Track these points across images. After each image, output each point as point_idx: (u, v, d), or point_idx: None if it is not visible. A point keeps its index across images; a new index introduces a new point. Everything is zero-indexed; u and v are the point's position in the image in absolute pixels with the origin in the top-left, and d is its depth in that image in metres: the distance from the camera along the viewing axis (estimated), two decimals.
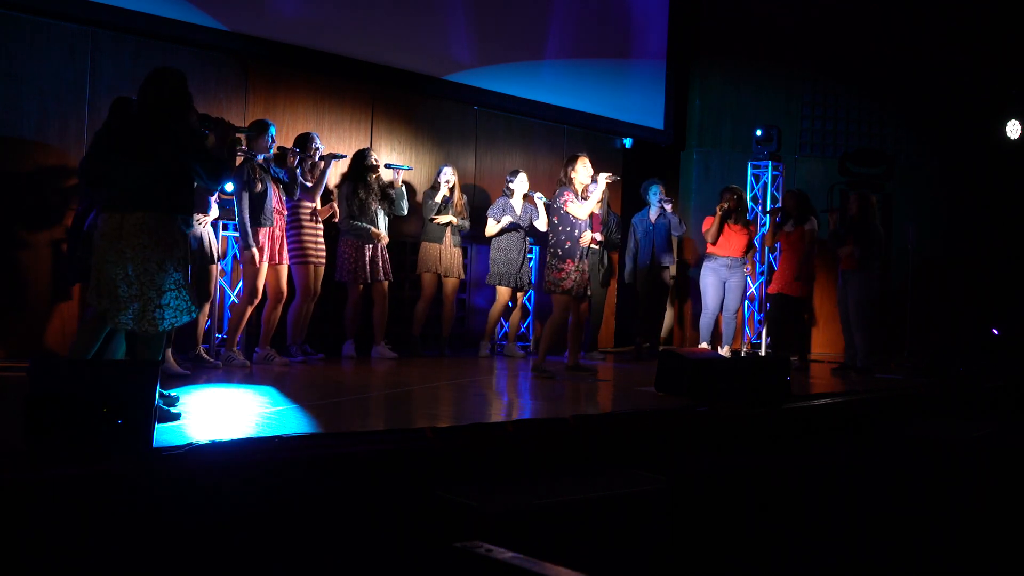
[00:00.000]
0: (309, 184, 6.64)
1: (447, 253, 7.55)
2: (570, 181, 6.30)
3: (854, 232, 7.63)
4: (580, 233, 6.24)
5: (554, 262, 6.22)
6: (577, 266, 6.20)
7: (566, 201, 6.23)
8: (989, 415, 6.77)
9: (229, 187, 6.06)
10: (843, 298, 7.76)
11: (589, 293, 6.42)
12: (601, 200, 7.97)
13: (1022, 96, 9.99)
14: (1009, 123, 9.94)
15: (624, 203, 9.62)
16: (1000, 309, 9.83)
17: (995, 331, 9.34)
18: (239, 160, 6.12)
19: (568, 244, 6.20)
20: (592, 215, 7.24)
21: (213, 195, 5.94)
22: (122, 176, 3.99)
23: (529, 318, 8.66)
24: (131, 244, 3.88)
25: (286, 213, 6.46)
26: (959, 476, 4.83)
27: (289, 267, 6.51)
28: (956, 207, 10.23)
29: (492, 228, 7.75)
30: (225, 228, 6.55)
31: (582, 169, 6.30)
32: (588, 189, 6.36)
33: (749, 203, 9.61)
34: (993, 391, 7.25)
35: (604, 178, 6.29)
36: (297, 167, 6.45)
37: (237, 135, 4.45)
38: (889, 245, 8.36)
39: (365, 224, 6.95)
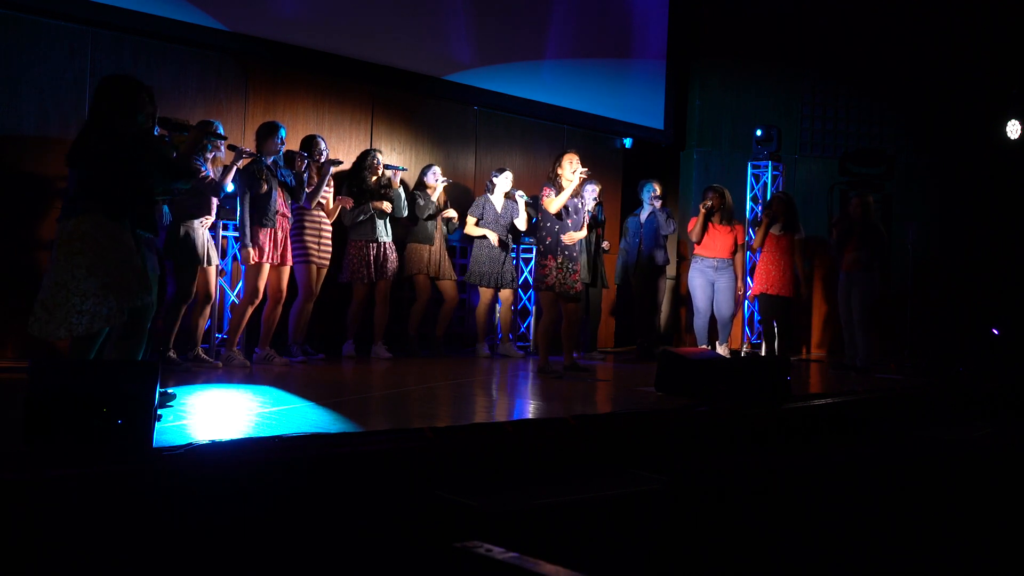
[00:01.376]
0: (308, 189, 6.64)
1: (438, 255, 7.55)
2: (556, 177, 6.33)
3: (856, 235, 7.64)
4: (561, 230, 6.24)
5: (538, 258, 6.30)
6: (560, 263, 6.21)
7: (543, 196, 6.27)
8: (989, 415, 6.77)
9: (230, 187, 6.09)
10: (846, 299, 7.76)
11: (576, 292, 6.37)
12: (598, 202, 8.01)
13: (1022, 96, 9.99)
14: (1009, 123, 9.94)
15: (624, 204, 9.63)
16: (1000, 309, 9.83)
17: (995, 331, 9.33)
18: (245, 162, 6.13)
19: (549, 240, 6.24)
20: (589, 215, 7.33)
21: (218, 197, 5.95)
22: (72, 184, 4.05)
23: (529, 318, 8.66)
24: (64, 251, 3.87)
25: (291, 215, 6.46)
26: (959, 476, 4.83)
27: (292, 267, 6.52)
28: (956, 207, 10.23)
29: (471, 228, 7.77)
30: (225, 228, 6.55)
31: (567, 166, 6.31)
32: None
33: (749, 203, 9.62)
34: (993, 391, 7.25)
35: (579, 173, 6.27)
36: (304, 171, 6.46)
37: (205, 133, 4.47)
38: (889, 245, 8.36)
39: (365, 209, 6.95)
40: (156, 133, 4.49)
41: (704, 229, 8.11)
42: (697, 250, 8.20)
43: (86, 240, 3.87)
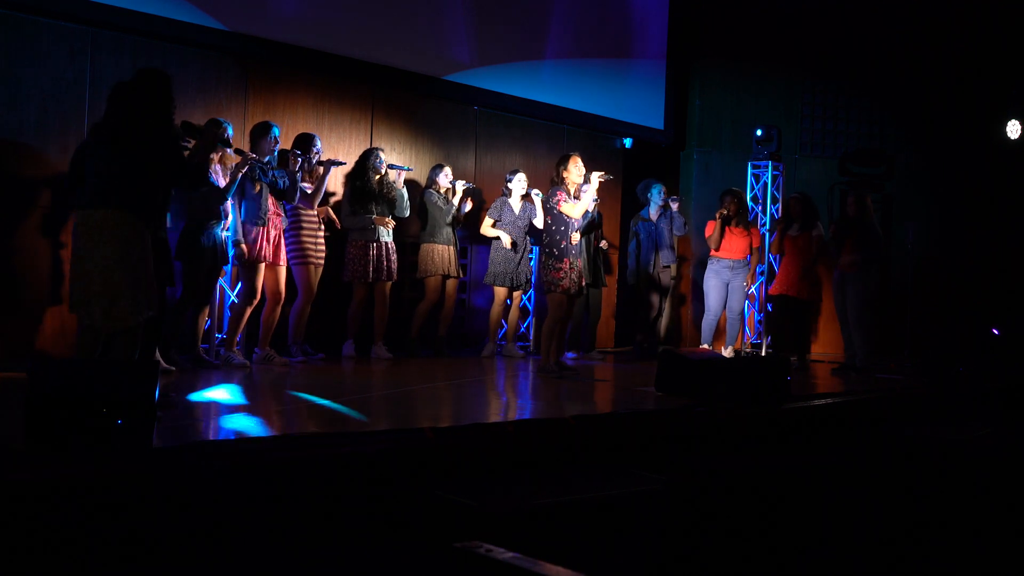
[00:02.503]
0: (308, 190, 6.64)
1: (452, 255, 7.56)
2: (562, 181, 6.34)
3: (853, 234, 7.63)
4: (572, 232, 6.28)
5: (551, 262, 6.26)
6: (573, 264, 6.24)
7: (559, 201, 6.27)
8: (989, 415, 6.77)
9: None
10: (840, 298, 7.77)
11: (584, 293, 6.48)
12: (597, 200, 8.02)
13: (1022, 96, 9.99)
14: (1009, 123, 9.94)
15: (624, 204, 9.63)
16: (1000, 309, 9.82)
17: (995, 331, 9.33)
18: (237, 159, 6.14)
19: (563, 243, 6.24)
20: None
21: (225, 202, 5.94)
22: (93, 170, 4.07)
23: (529, 318, 8.66)
24: (91, 240, 3.94)
25: (284, 215, 6.45)
26: (958, 476, 4.83)
27: (290, 268, 6.52)
28: (956, 207, 10.23)
29: (487, 229, 7.79)
30: (225, 229, 6.55)
31: (574, 169, 6.33)
32: (581, 188, 6.39)
33: (749, 203, 9.62)
34: (993, 391, 7.24)
35: (597, 176, 6.30)
36: (299, 170, 6.46)
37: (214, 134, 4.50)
38: (889, 245, 8.36)
39: (364, 215, 6.96)
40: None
41: (722, 235, 8.16)
42: (713, 252, 8.25)
43: (115, 231, 3.93)
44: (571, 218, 6.26)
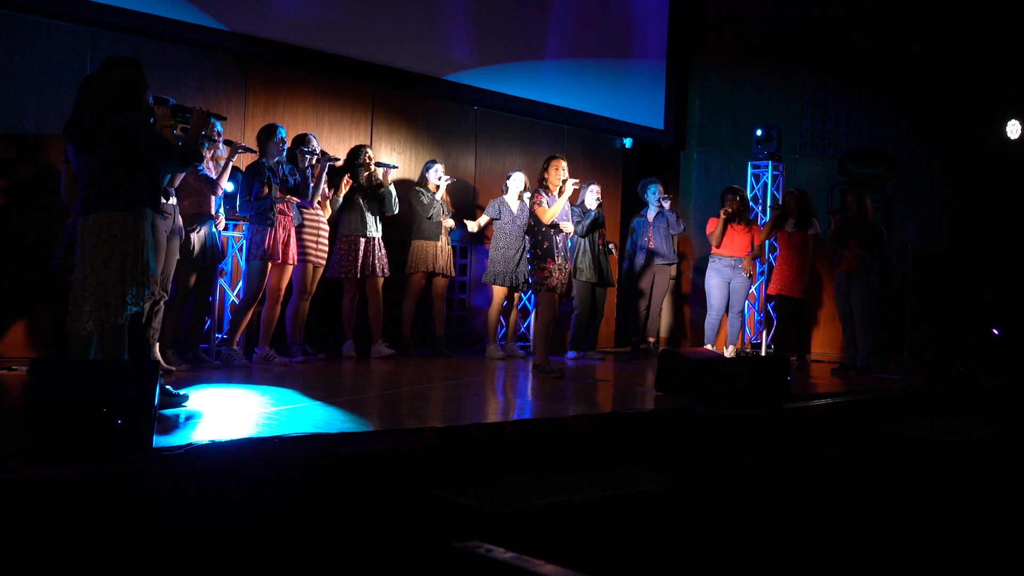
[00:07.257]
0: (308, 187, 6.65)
1: (443, 252, 7.54)
2: (544, 182, 6.40)
3: (857, 232, 7.60)
4: (556, 232, 6.32)
5: (536, 262, 6.34)
6: (559, 264, 6.29)
7: (536, 204, 6.31)
8: (989, 415, 6.77)
9: (229, 187, 6.10)
10: (844, 298, 7.72)
11: (573, 293, 6.50)
12: (599, 201, 8.04)
13: (1022, 96, 9.99)
14: (1009, 123, 9.94)
15: (624, 204, 9.63)
16: (1000, 309, 9.82)
17: (995, 331, 9.33)
18: (249, 159, 6.15)
19: (546, 244, 6.30)
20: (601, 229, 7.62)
21: (215, 195, 5.94)
22: (79, 175, 4.07)
23: (529, 318, 8.66)
24: (84, 246, 3.93)
25: (292, 214, 6.45)
26: (959, 476, 4.83)
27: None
28: (956, 207, 10.24)
29: (472, 226, 7.93)
30: (225, 228, 6.55)
31: (555, 172, 6.43)
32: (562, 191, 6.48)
33: (749, 203, 9.62)
34: (993, 391, 7.24)
35: (571, 184, 6.36)
36: (308, 167, 6.47)
37: (203, 113, 4.48)
38: (889, 245, 8.35)
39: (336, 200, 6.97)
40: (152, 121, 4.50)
41: (724, 232, 8.17)
42: (714, 250, 8.26)
43: (101, 235, 3.91)
44: (544, 223, 6.30)
